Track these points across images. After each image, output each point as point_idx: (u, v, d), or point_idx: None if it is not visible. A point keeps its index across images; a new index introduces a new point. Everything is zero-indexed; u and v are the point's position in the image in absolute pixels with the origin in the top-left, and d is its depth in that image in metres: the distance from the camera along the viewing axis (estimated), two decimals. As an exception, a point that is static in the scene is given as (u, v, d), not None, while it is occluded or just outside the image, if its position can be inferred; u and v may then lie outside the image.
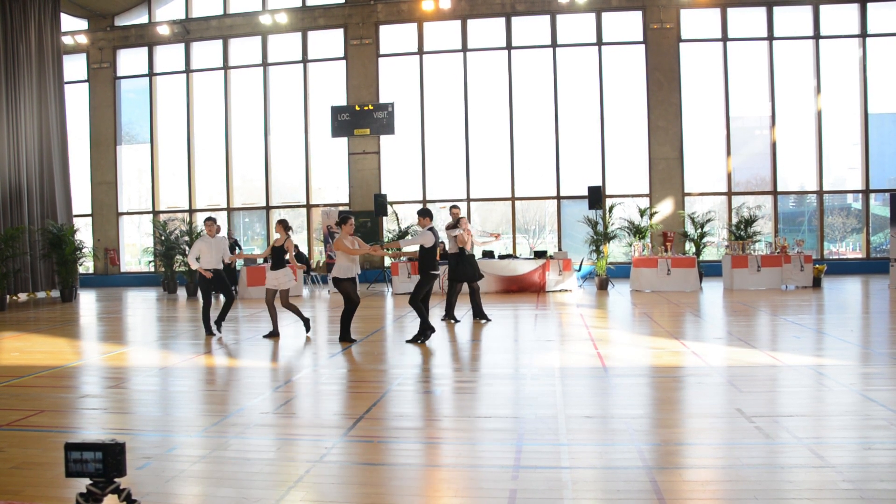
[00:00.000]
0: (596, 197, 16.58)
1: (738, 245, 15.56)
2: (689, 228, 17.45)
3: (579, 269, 16.42)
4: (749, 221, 16.57)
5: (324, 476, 3.87)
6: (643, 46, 19.51)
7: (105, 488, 2.25)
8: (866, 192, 19.43)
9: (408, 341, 8.51)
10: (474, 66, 20.22)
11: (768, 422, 4.66)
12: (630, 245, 16.80)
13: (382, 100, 20.26)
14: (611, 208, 16.87)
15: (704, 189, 19.85)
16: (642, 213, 16.89)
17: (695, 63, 19.62)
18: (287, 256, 9.44)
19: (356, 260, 8.68)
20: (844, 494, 3.40)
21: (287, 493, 3.58)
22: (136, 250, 22.46)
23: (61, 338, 10.10)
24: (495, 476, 3.79)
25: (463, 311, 11.48)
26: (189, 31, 21.03)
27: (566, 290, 15.31)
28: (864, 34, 19.08)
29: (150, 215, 21.58)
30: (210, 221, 9.76)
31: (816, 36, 19.18)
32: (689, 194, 19.54)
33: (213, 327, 9.62)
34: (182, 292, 18.02)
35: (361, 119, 20.11)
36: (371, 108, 20.08)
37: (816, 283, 15.09)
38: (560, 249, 18.16)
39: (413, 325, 9.88)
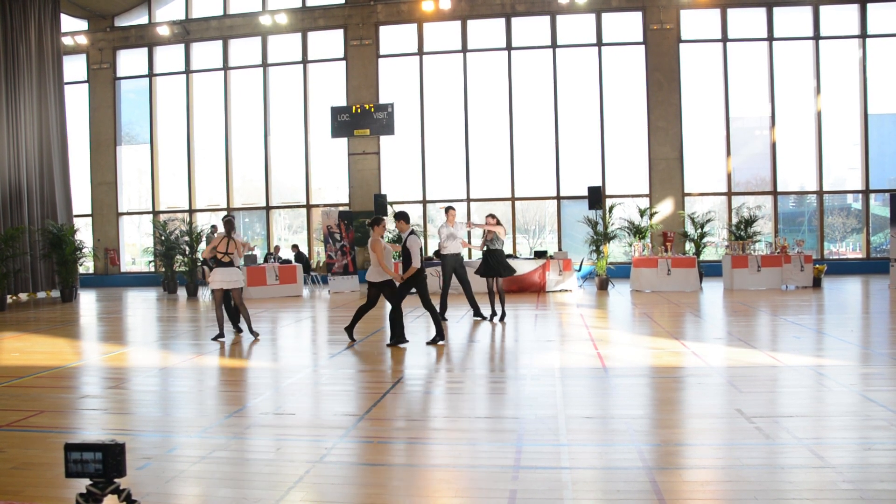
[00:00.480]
0: (596, 197, 16.59)
1: (739, 245, 15.56)
2: (689, 228, 17.46)
3: (579, 270, 16.42)
4: (749, 221, 16.58)
5: (324, 476, 3.87)
6: (643, 47, 19.52)
7: (105, 489, 2.25)
8: (866, 193, 19.43)
9: (428, 343, 8.39)
10: (474, 66, 20.22)
11: (768, 422, 4.66)
12: (630, 245, 16.81)
13: (382, 100, 20.27)
14: (611, 208, 16.88)
15: (704, 189, 19.86)
16: (642, 213, 16.89)
17: (695, 63, 19.63)
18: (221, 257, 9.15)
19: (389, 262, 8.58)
20: (844, 495, 3.40)
21: (287, 494, 3.58)
22: (136, 250, 22.47)
23: (61, 338, 10.10)
24: (495, 476, 3.79)
25: (463, 310, 11.48)
26: (189, 31, 21.04)
27: (566, 290, 15.31)
28: (863, 35, 19.09)
29: (150, 215, 21.59)
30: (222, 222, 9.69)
31: (816, 36, 19.19)
32: (689, 194, 19.55)
33: (232, 326, 9.59)
34: (182, 292, 18.02)
35: (361, 119, 20.11)
36: (371, 108, 20.09)
37: (816, 284, 15.09)
38: (560, 249, 18.16)
39: (413, 325, 9.88)
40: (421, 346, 8.28)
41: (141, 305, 15.34)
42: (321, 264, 19.31)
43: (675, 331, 9.22)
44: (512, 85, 19.99)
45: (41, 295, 18.11)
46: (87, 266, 20.38)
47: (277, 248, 18.51)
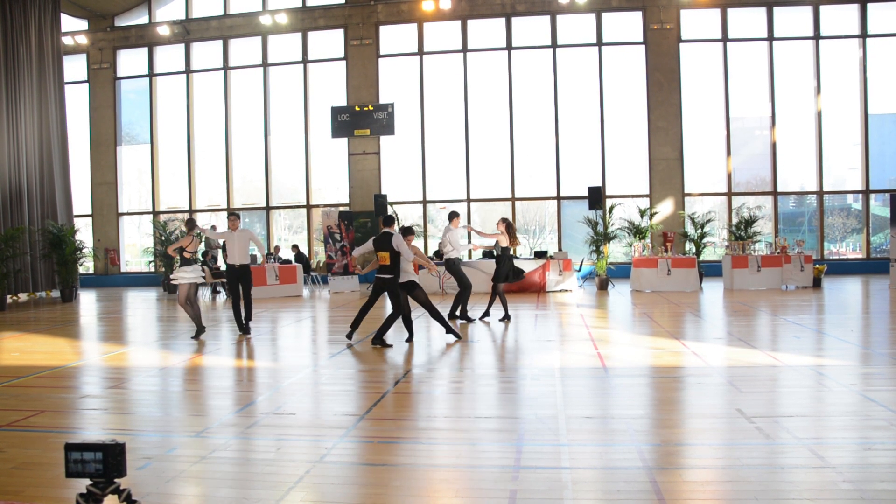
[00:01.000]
0: (596, 197, 16.59)
1: (739, 245, 15.56)
2: (690, 229, 17.46)
3: (579, 270, 16.42)
4: (749, 222, 16.57)
5: (324, 476, 3.87)
6: (643, 47, 19.52)
7: (105, 489, 2.25)
8: (866, 193, 19.43)
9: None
10: (474, 66, 20.22)
11: (768, 422, 4.66)
12: (630, 245, 16.81)
13: (382, 100, 20.27)
14: (611, 209, 16.87)
15: (704, 189, 19.86)
16: (642, 213, 16.89)
17: (695, 63, 19.62)
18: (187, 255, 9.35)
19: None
20: (845, 495, 3.40)
21: (287, 494, 3.58)
22: (136, 250, 22.47)
23: (61, 338, 10.10)
24: (496, 476, 3.79)
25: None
26: (189, 31, 21.04)
27: (566, 291, 15.31)
28: (864, 34, 19.09)
29: (151, 215, 21.59)
30: (233, 217, 9.70)
31: (816, 36, 19.18)
32: (689, 195, 19.54)
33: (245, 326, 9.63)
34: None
35: (361, 119, 20.11)
36: (371, 108, 20.09)
37: (816, 284, 15.09)
38: (560, 250, 18.16)
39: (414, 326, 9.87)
40: (421, 346, 8.28)
41: (141, 305, 15.34)
42: (321, 264, 19.31)
43: (676, 331, 9.22)
44: (512, 85, 19.99)
45: (41, 295, 18.11)
46: (87, 266, 20.38)
47: (277, 249, 18.51)
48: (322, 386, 6.38)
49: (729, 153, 19.59)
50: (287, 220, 22.15)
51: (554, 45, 19.82)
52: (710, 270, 17.83)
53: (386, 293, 8.47)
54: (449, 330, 8.60)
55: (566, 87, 19.91)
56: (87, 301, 16.71)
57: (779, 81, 19.40)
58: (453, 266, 10.66)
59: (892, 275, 14.68)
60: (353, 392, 6.15)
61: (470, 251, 16.20)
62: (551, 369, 6.66)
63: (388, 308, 11.09)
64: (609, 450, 4.24)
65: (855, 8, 19.11)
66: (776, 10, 19.24)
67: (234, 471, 4.02)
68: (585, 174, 19.64)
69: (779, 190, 19.68)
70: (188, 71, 21.49)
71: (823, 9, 19.09)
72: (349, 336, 8.58)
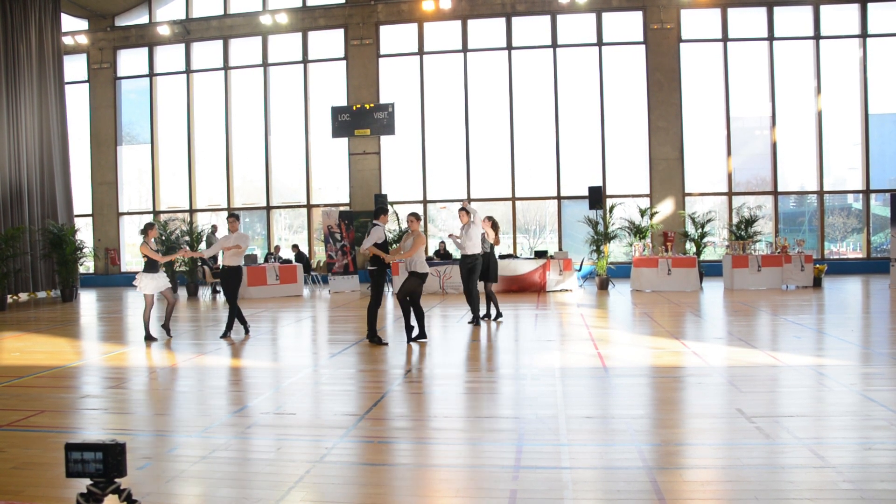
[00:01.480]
0: (596, 197, 16.59)
1: (739, 245, 15.56)
2: (690, 228, 17.45)
3: (580, 269, 16.42)
4: (749, 221, 16.57)
5: (324, 476, 3.87)
6: (643, 47, 19.51)
7: (105, 488, 2.25)
8: (867, 193, 19.42)
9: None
10: (474, 66, 20.22)
11: (769, 422, 4.66)
12: (630, 245, 16.81)
13: (383, 100, 20.27)
14: (611, 208, 16.87)
15: (705, 189, 19.85)
16: (643, 213, 16.89)
17: (695, 63, 19.62)
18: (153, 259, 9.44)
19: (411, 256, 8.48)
20: (845, 495, 3.40)
21: (287, 494, 3.58)
22: (136, 250, 22.47)
23: (62, 338, 10.10)
24: (496, 476, 3.79)
25: (463, 310, 11.47)
26: (189, 31, 21.04)
27: (567, 290, 15.31)
28: (864, 34, 19.08)
29: (151, 215, 21.58)
30: (233, 218, 9.69)
31: (817, 36, 19.18)
32: (689, 194, 19.54)
33: (242, 326, 9.64)
34: (182, 292, 18.01)
35: (362, 119, 20.11)
36: (371, 108, 20.09)
37: (817, 283, 15.08)
38: (560, 249, 18.15)
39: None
40: (422, 346, 8.27)
41: (141, 305, 15.32)
42: (321, 264, 19.31)
43: (676, 330, 9.22)
44: (512, 85, 19.99)
45: (41, 295, 18.11)
46: (87, 266, 20.38)
47: (278, 248, 18.52)
48: (322, 386, 6.38)
49: (729, 153, 19.58)
50: (287, 219, 22.15)
51: (554, 45, 19.82)
52: (711, 270, 17.82)
53: (380, 284, 8.55)
54: (411, 336, 8.50)
55: (566, 87, 19.90)
56: (88, 301, 16.71)
57: (779, 81, 19.39)
58: (477, 263, 10.16)
59: (892, 274, 14.68)
60: (353, 392, 6.15)
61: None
62: (551, 369, 6.66)
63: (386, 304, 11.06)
64: (609, 450, 4.24)
65: (855, 8, 19.11)
66: (776, 9, 19.24)
67: (234, 470, 4.02)
68: (586, 174, 19.64)
69: (779, 190, 19.68)
70: (188, 71, 21.49)
71: (823, 8, 19.08)
72: (380, 342, 8.46)
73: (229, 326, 9.45)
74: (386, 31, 20.49)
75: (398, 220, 18.09)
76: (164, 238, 18.56)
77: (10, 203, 16.69)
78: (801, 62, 19.41)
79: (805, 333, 8.77)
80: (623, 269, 17.84)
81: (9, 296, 15.99)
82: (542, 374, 6.44)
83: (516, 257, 16.70)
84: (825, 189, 19.66)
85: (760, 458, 4.00)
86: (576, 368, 6.74)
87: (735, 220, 17.33)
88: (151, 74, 21.75)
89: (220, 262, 16.77)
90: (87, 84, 21.89)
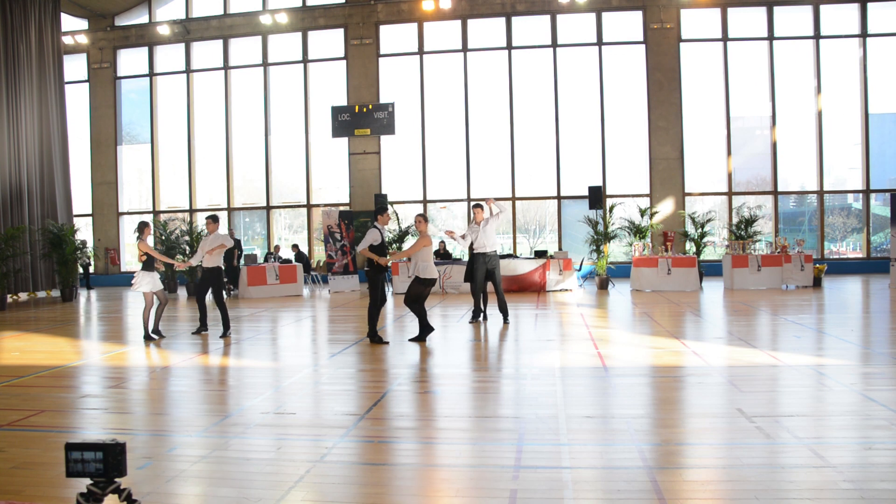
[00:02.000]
0: (596, 197, 16.59)
1: (739, 245, 15.56)
2: (690, 228, 17.45)
3: (580, 269, 16.42)
4: (749, 221, 16.57)
5: (324, 476, 3.87)
6: (643, 46, 19.52)
7: (105, 488, 2.25)
8: (867, 192, 19.43)
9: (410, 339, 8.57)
10: (474, 66, 20.22)
11: (769, 422, 4.66)
12: (630, 245, 16.81)
13: (383, 100, 20.27)
14: (611, 208, 16.87)
15: (705, 189, 19.86)
16: (643, 212, 16.89)
17: (695, 63, 19.62)
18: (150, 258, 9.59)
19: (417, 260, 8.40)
20: (845, 494, 3.40)
21: (287, 494, 3.58)
22: (136, 250, 22.45)
23: (62, 337, 10.10)
24: (496, 476, 3.79)
25: (463, 310, 11.47)
26: (189, 31, 21.04)
27: (566, 290, 15.31)
28: (864, 34, 19.09)
29: (151, 215, 21.58)
30: (210, 220, 9.79)
31: (817, 36, 19.18)
32: (689, 194, 19.54)
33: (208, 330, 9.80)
34: (182, 292, 18.03)
35: (362, 119, 20.12)
36: (371, 108, 20.09)
37: (817, 283, 15.09)
38: (560, 249, 18.16)
39: (412, 325, 9.87)
40: (420, 346, 8.27)
41: (141, 305, 15.32)
42: (321, 264, 19.31)
43: (676, 330, 9.22)
44: (512, 84, 19.99)
45: (41, 294, 18.11)
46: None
47: (278, 248, 18.51)
48: (322, 385, 6.38)
49: (729, 153, 19.59)
50: (287, 219, 22.16)
51: (554, 45, 19.83)
52: (711, 270, 17.83)
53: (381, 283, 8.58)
54: (424, 336, 8.52)
55: (566, 87, 19.91)
56: (87, 301, 16.71)
57: (779, 81, 19.40)
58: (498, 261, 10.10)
59: (892, 274, 14.68)
60: (353, 392, 6.15)
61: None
62: (552, 369, 6.66)
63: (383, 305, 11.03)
64: (609, 449, 4.23)
65: (855, 7, 19.11)
66: (776, 9, 19.24)
67: (234, 470, 4.02)
68: (586, 174, 19.64)
69: (779, 189, 19.68)
70: (188, 70, 21.49)
71: (823, 8, 19.09)
72: (381, 341, 8.51)
73: (226, 326, 9.52)
74: (386, 31, 20.50)
75: (398, 219, 18.10)
76: (164, 238, 18.56)
77: (10, 203, 16.69)
78: (801, 62, 19.42)
79: (805, 333, 8.77)
80: (623, 269, 17.84)
81: (9, 295, 16.00)
82: (542, 374, 6.44)
83: (516, 257, 16.69)
84: (825, 189, 19.66)
85: (760, 457, 3.99)
86: (576, 368, 6.74)
87: (735, 219, 17.33)
88: (151, 74, 21.75)
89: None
90: (87, 84, 21.90)
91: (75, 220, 19.02)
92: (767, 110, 19.49)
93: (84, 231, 20.62)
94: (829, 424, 4.75)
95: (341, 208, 19.53)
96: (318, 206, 20.86)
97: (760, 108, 19.59)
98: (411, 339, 8.57)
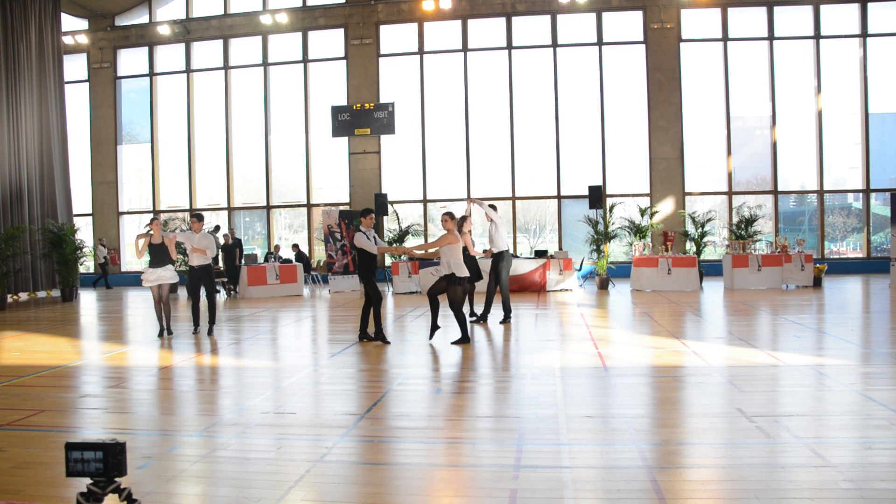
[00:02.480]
0: (596, 196, 16.59)
1: (739, 244, 15.56)
2: (690, 228, 17.45)
3: (580, 269, 16.42)
4: (750, 221, 16.57)
5: (324, 476, 3.87)
6: (643, 46, 19.51)
7: (106, 488, 2.25)
8: (867, 192, 19.42)
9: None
10: (475, 66, 20.22)
11: (769, 421, 4.66)
12: (630, 244, 16.81)
13: (383, 99, 20.27)
14: (611, 208, 16.87)
15: (705, 189, 19.85)
16: (643, 212, 16.89)
17: (695, 63, 19.62)
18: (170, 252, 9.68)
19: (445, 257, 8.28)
20: (845, 494, 3.40)
21: (287, 493, 3.58)
22: (136, 250, 22.45)
23: (62, 337, 10.10)
24: (496, 476, 3.79)
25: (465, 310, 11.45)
26: (189, 30, 21.04)
27: (567, 290, 15.31)
28: (864, 34, 19.08)
29: (151, 215, 21.58)
30: (195, 218, 9.88)
31: (817, 36, 19.18)
32: (689, 194, 19.54)
33: (200, 326, 9.95)
34: (182, 292, 18.00)
35: (362, 119, 20.12)
36: (371, 107, 20.09)
37: (817, 283, 15.08)
38: (560, 249, 18.15)
39: (414, 325, 9.87)
40: (421, 346, 8.28)
41: (141, 305, 15.33)
42: (322, 264, 19.31)
43: (676, 330, 9.22)
44: (512, 84, 19.99)
45: (41, 294, 18.11)
46: (87, 265, 20.39)
47: (278, 248, 18.51)
48: (322, 385, 6.38)
49: (729, 152, 19.59)
50: (287, 219, 22.16)
51: (554, 45, 19.82)
52: (711, 270, 17.82)
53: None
54: (432, 335, 8.52)
55: (566, 87, 19.91)
56: (88, 300, 16.72)
57: (779, 81, 19.39)
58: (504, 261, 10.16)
59: (892, 274, 14.68)
60: (353, 391, 6.15)
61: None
62: (552, 368, 6.66)
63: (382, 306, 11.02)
64: (609, 449, 4.24)
65: (855, 7, 19.11)
66: (776, 9, 19.24)
67: (234, 470, 4.02)
68: (586, 173, 19.64)
69: (779, 189, 19.68)
70: (188, 70, 21.49)
71: (824, 8, 19.08)
72: (369, 337, 8.58)
73: (211, 321, 9.76)
74: (386, 31, 20.49)
75: (398, 219, 18.10)
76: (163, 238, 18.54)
77: (10, 203, 16.69)
78: (801, 62, 19.42)
79: (805, 333, 8.77)
80: (623, 269, 17.84)
81: (9, 295, 16.00)
82: (542, 374, 6.44)
83: (516, 257, 16.67)
84: (825, 188, 19.66)
85: (761, 457, 3.99)
86: (576, 368, 6.74)
87: (735, 219, 17.33)
88: (151, 74, 21.75)
89: (220, 262, 16.81)
90: (87, 84, 21.90)
91: (75, 219, 19.02)
92: (767, 110, 19.49)
93: (84, 230, 20.61)
94: (830, 424, 4.75)
95: (341, 208, 19.52)
96: (318, 205, 20.86)
97: (760, 107, 19.58)
98: (453, 343, 8.33)
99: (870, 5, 18.99)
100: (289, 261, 17.54)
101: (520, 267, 15.35)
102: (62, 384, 6.70)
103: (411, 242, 18.24)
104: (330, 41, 20.74)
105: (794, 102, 19.47)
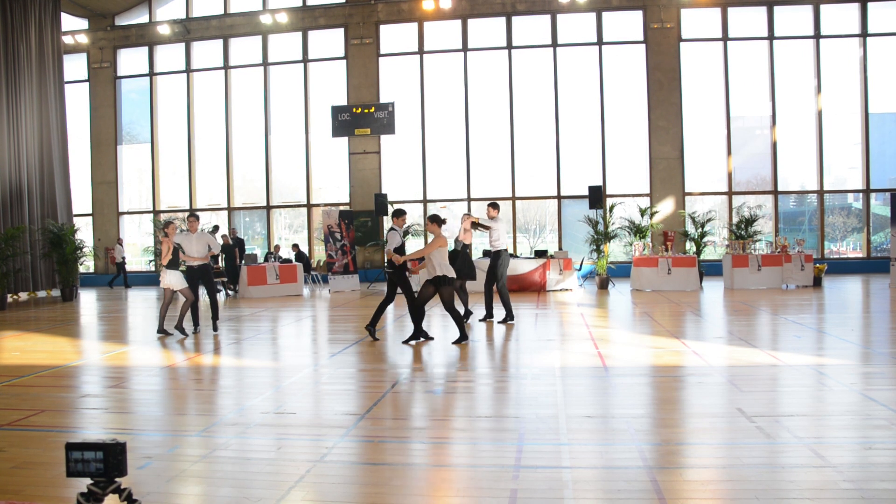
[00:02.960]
0: (596, 196, 16.58)
1: (739, 244, 15.56)
2: (690, 228, 17.45)
3: (580, 269, 16.42)
4: (750, 221, 16.57)
5: (324, 476, 3.87)
6: (643, 46, 19.51)
7: (106, 488, 2.25)
8: (867, 192, 19.43)
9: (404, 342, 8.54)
10: (475, 65, 20.22)
11: (769, 421, 4.66)
12: (630, 244, 16.81)
13: (383, 99, 20.27)
14: (611, 208, 16.87)
15: (705, 188, 19.85)
16: (643, 212, 16.89)
17: (695, 63, 19.62)
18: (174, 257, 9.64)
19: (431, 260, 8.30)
20: (845, 494, 3.40)
21: (287, 493, 3.58)
22: (136, 250, 22.48)
23: (62, 337, 10.10)
24: (496, 476, 3.79)
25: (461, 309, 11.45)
26: (189, 30, 21.03)
27: (567, 290, 15.31)
28: (864, 34, 19.08)
29: (151, 215, 21.60)
30: (192, 218, 9.89)
31: (817, 35, 19.18)
32: (689, 194, 19.54)
33: (200, 325, 9.93)
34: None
35: (362, 119, 20.12)
36: (372, 107, 20.09)
37: (817, 283, 15.08)
38: (560, 249, 18.16)
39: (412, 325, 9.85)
40: (421, 346, 8.28)
41: (141, 304, 15.34)
42: (321, 264, 19.31)
43: (676, 330, 9.22)
44: (512, 84, 19.99)
45: (41, 294, 18.11)
46: (87, 265, 20.38)
47: (278, 248, 18.51)
48: (322, 385, 6.38)
49: (729, 152, 19.59)
50: (287, 219, 22.16)
51: (554, 45, 19.83)
52: (711, 270, 17.82)
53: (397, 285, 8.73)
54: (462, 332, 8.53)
55: (566, 87, 19.91)
56: (88, 300, 16.71)
57: (779, 81, 19.39)
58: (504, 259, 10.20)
59: (892, 274, 14.68)
60: (353, 391, 6.15)
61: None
62: (552, 368, 6.66)
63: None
64: (610, 449, 4.23)
65: (855, 7, 19.11)
66: (776, 9, 19.24)
67: (234, 470, 4.02)
68: (586, 173, 19.65)
69: (779, 189, 19.68)
70: (188, 70, 21.49)
71: (824, 8, 19.08)
72: (372, 334, 8.63)
73: (215, 316, 9.81)
74: (386, 31, 20.50)
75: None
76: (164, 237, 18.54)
77: (10, 203, 16.69)
78: (801, 61, 19.42)
79: (805, 333, 8.77)
80: (623, 269, 17.84)
81: (9, 295, 15.99)
82: (542, 374, 6.44)
83: (516, 256, 16.68)
84: (825, 188, 19.66)
85: (761, 457, 3.99)
86: (576, 368, 6.74)
87: (735, 219, 17.33)
88: (151, 74, 21.75)
89: (220, 261, 16.83)
90: (87, 83, 21.90)
91: (75, 219, 19.02)
92: (767, 110, 19.49)
93: (84, 231, 20.61)
94: (830, 424, 4.75)
95: (341, 208, 19.53)
96: (318, 205, 20.86)
97: (760, 107, 19.58)
98: (454, 342, 8.35)
99: (870, 5, 18.99)
100: (289, 261, 17.54)
101: (520, 267, 15.36)
102: (62, 384, 6.70)
103: (411, 242, 18.26)
104: (330, 41, 20.75)
105: (794, 102, 19.47)
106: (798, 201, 20.46)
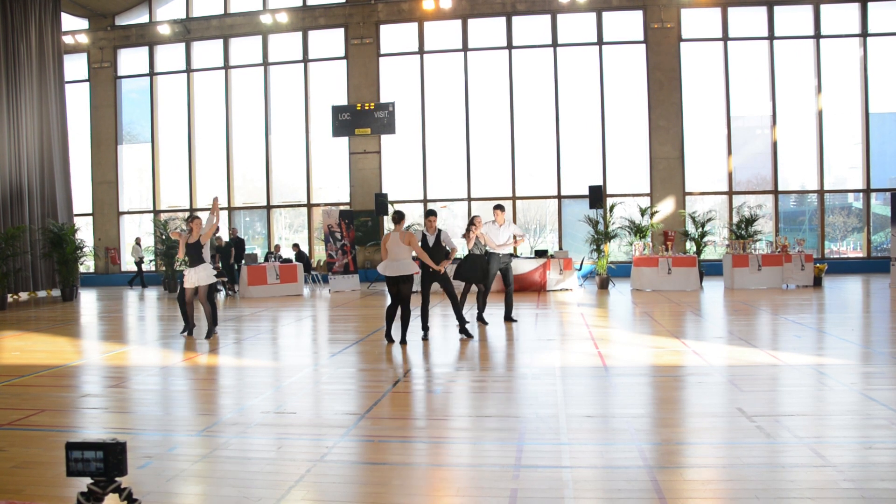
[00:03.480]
0: (597, 196, 16.58)
1: (739, 244, 15.55)
2: (690, 228, 17.45)
3: (580, 269, 16.42)
4: (750, 221, 16.57)
5: (325, 475, 3.87)
6: (644, 46, 19.51)
7: (106, 488, 2.25)
8: (867, 192, 19.42)
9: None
10: (475, 65, 20.22)
11: (769, 421, 4.66)
12: (631, 244, 16.81)
13: (383, 99, 20.27)
14: (611, 207, 16.87)
15: (705, 188, 19.85)
16: (643, 212, 16.88)
17: (695, 62, 19.62)
18: (204, 251, 9.41)
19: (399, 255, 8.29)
20: (845, 494, 3.40)
21: (288, 493, 3.58)
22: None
23: (62, 337, 10.10)
24: (496, 475, 3.79)
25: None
26: (190, 30, 21.04)
27: (567, 290, 15.31)
28: (864, 34, 19.08)
29: (151, 214, 21.60)
30: (195, 219, 9.79)
31: (817, 35, 19.17)
32: (689, 193, 19.54)
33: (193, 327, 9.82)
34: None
35: (362, 118, 20.12)
36: (372, 107, 20.09)
37: (817, 283, 15.08)
38: (561, 248, 18.16)
39: (415, 324, 9.84)
40: (421, 345, 8.28)
41: (140, 304, 15.34)
42: (322, 263, 19.31)
43: (676, 330, 9.22)
44: (513, 84, 19.99)
45: (42, 294, 18.11)
46: (87, 265, 20.39)
47: (278, 248, 18.51)
48: (322, 385, 6.38)
49: (730, 152, 19.58)
50: (288, 218, 22.16)
51: (554, 45, 19.83)
52: (711, 269, 17.82)
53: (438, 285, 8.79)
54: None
55: (567, 87, 19.91)
56: (88, 300, 16.72)
57: (779, 80, 19.39)
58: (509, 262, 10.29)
59: (892, 274, 14.67)
60: (353, 391, 6.15)
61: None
62: (552, 368, 6.66)
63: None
64: (610, 449, 4.23)
65: (855, 7, 19.10)
66: (777, 9, 19.23)
67: (234, 470, 4.02)
68: (586, 173, 19.64)
69: (779, 189, 19.68)
70: (189, 70, 21.49)
71: (824, 8, 19.08)
72: (424, 337, 8.61)
73: (214, 322, 9.57)
74: (386, 31, 20.50)
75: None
76: (164, 237, 18.56)
77: (10, 202, 16.69)
78: (801, 61, 19.41)
79: (805, 332, 8.77)
80: (623, 269, 17.84)
81: (9, 295, 16.00)
82: (542, 374, 6.44)
83: (516, 256, 16.67)
84: (825, 188, 19.66)
85: (761, 457, 3.99)
86: (576, 367, 6.74)
87: (735, 219, 17.33)
88: (152, 73, 21.75)
89: (218, 262, 16.82)
90: (88, 83, 21.90)
91: (76, 219, 19.02)
92: (768, 110, 19.48)
93: (84, 230, 20.62)
94: (830, 424, 4.75)
95: (342, 208, 19.53)
96: (318, 205, 20.86)
97: (761, 107, 19.58)
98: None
99: (870, 5, 18.98)
100: (289, 260, 17.54)
101: (520, 267, 15.35)
102: (62, 384, 6.70)
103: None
104: (330, 41, 20.75)
105: (795, 102, 19.47)
106: (798, 201, 20.46)
